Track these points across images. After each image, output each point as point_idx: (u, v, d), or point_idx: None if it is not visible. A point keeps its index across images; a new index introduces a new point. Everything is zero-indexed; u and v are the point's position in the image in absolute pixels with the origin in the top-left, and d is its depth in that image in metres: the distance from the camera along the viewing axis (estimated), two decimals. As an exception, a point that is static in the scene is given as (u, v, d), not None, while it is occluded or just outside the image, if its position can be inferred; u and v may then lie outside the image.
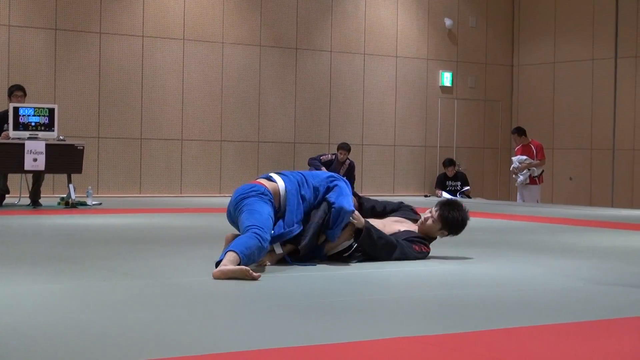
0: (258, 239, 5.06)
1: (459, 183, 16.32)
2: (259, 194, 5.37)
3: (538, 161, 14.12)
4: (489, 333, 3.65)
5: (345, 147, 14.74)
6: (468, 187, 16.24)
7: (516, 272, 5.67)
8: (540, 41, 17.59)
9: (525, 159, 14.00)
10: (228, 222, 5.68)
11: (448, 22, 17.16)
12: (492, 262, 6.19)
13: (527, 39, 17.81)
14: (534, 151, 14.11)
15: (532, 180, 14.14)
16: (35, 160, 10.61)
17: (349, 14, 16.21)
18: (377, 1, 16.50)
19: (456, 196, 16.03)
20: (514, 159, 14.30)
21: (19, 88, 11.24)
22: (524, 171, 14.10)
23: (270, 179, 5.58)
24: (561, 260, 6.32)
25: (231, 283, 4.92)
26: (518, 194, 14.52)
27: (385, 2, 16.59)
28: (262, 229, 5.13)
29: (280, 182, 5.53)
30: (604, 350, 3.40)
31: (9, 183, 11.18)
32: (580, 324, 3.90)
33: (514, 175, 14.42)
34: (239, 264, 4.90)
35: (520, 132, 14.28)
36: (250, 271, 4.81)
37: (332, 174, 5.84)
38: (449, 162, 16.37)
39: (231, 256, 4.92)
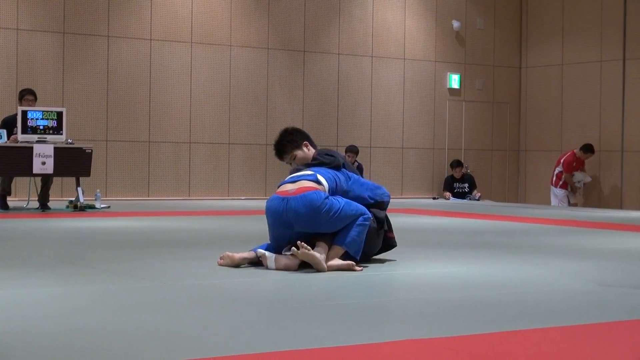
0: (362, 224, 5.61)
1: (466, 185, 16.31)
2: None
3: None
4: (497, 335, 3.64)
5: (353, 150, 14.74)
6: (479, 194, 16.25)
7: (525, 274, 5.66)
8: (548, 43, 17.56)
9: (590, 180, 15.20)
10: (240, 225, 5.68)
11: (456, 24, 17.14)
12: (500, 264, 6.18)
13: (535, 41, 17.78)
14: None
15: (564, 184, 15.24)
16: (43, 163, 10.63)
17: (357, 17, 16.21)
18: (385, 4, 16.50)
19: (464, 199, 16.03)
20: (578, 174, 15.35)
21: (30, 92, 11.26)
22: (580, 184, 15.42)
23: (318, 182, 5.68)
24: (570, 262, 6.30)
25: (240, 285, 4.92)
26: (558, 199, 15.36)
27: (392, 4, 16.58)
28: (364, 213, 5.69)
29: (325, 183, 5.70)
30: (616, 352, 3.39)
31: (17, 186, 11.20)
32: (590, 326, 3.89)
33: (570, 190, 15.41)
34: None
35: (592, 150, 15.41)
36: (355, 265, 5.45)
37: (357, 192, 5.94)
38: (457, 163, 16.37)
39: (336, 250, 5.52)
